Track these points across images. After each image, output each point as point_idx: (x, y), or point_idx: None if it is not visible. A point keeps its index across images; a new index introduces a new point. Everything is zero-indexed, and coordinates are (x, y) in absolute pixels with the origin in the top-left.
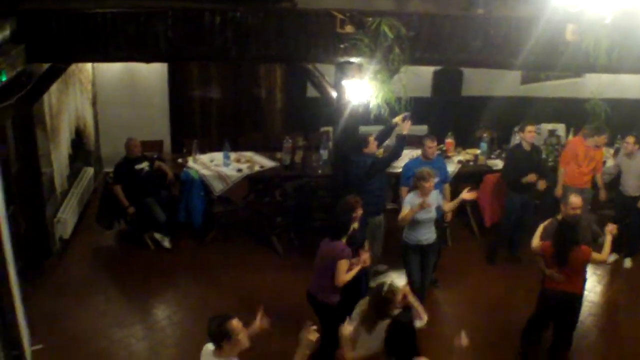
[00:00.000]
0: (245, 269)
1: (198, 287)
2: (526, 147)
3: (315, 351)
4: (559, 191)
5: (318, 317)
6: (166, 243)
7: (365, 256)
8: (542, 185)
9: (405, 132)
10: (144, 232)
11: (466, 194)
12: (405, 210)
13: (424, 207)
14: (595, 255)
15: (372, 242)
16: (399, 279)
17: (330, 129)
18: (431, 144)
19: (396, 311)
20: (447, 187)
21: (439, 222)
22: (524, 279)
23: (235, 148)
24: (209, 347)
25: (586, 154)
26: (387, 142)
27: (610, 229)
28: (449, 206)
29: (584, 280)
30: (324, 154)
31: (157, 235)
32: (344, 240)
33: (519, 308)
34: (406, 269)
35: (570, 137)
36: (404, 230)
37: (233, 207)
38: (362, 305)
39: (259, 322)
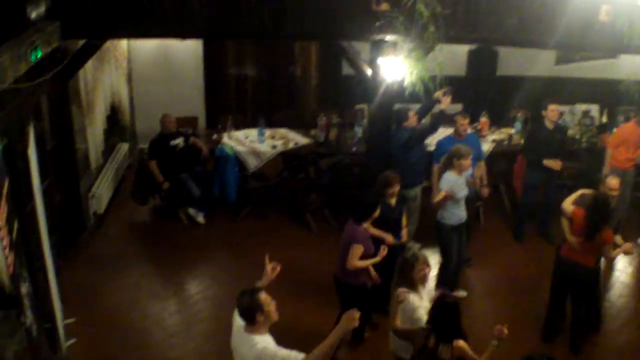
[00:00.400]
0: (279, 245)
1: (231, 262)
2: (549, 125)
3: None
4: (605, 172)
5: (339, 297)
6: (200, 218)
7: (403, 232)
8: (556, 165)
9: (444, 107)
10: (178, 207)
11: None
12: (442, 194)
13: (450, 197)
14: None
15: (408, 215)
16: (431, 258)
17: (364, 106)
18: (463, 121)
19: (420, 277)
20: (482, 164)
21: (473, 200)
22: (552, 255)
23: (270, 125)
24: (240, 322)
25: (638, 140)
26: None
27: (628, 248)
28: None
29: (600, 257)
30: (359, 131)
31: (191, 211)
32: (366, 224)
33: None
34: (445, 251)
35: (604, 118)
36: (441, 211)
37: (267, 183)
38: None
39: (270, 269)
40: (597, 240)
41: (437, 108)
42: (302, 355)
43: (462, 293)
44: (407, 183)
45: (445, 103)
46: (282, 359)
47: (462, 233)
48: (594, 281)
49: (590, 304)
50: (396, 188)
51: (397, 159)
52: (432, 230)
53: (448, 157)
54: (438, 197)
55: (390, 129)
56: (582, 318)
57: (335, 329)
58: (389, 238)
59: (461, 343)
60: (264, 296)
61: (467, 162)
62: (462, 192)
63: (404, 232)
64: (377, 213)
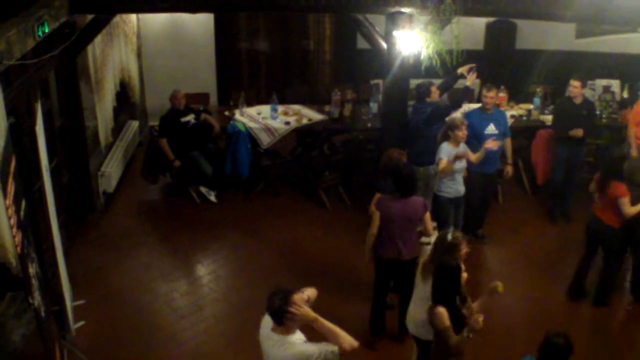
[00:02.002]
0: (292, 223)
1: (244, 242)
2: (576, 100)
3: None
4: (634, 153)
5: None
6: (212, 197)
7: None
8: (577, 133)
9: (469, 84)
10: (189, 185)
11: (490, 143)
12: (443, 161)
13: (460, 158)
14: (626, 200)
15: (425, 191)
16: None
17: (380, 81)
18: (487, 93)
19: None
20: (508, 141)
21: (493, 177)
22: (575, 235)
23: (283, 101)
24: (268, 320)
25: None
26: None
27: None
28: (476, 156)
29: (620, 217)
30: (374, 107)
31: (203, 189)
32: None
33: (570, 265)
34: (441, 223)
35: (625, 93)
36: (439, 184)
37: (280, 160)
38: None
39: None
40: (608, 193)
41: (460, 83)
42: (332, 347)
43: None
44: (425, 160)
45: (471, 79)
46: (318, 357)
47: (459, 206)
48: (620, 243)
49: (609, 260)
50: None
51: (418, 135)
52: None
53: (444, 128)
54: (441, 165)
55: (407, 104)
56: (608, 275)
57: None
58: None
59: (440, 309)
60: (296, 298)
61: (462, 133)
62: (459, 164)
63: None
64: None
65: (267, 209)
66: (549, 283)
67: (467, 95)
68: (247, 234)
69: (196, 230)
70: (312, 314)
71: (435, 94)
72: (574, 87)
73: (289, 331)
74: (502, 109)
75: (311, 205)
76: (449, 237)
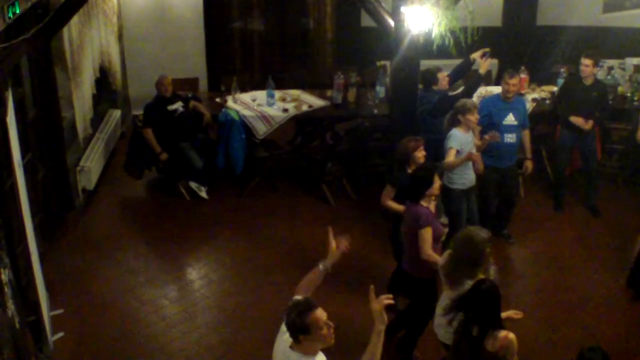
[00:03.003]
0: (292, 221)
1: (239, 242)
2: (586, 81)
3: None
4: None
5: (408, 297)
6: (203, 193)
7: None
8: (585, 125)
9: (483, 71)
10: (178, 180)
11: (491, 136)
12: (453, 152)
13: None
14: None
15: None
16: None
17: (387, 62)
18: (509, 80)
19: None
20: (527, 133)
21: (514, 170)
22: (600, 231)
23: (280, 86)
24: (286, 335)
25: None
26: None
27: None
28: (479, 144)
29: None
30: (381, 91)
31: (193, 184)
32: (426, 203)
33: (597, 264)
34: (454, 218)
35: None
36: (448, 174)
37: (278, 151)
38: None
39: (334, 247)
40: None
41: (475, 67)
42: None
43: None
44: (432, 155)
45: (484, 67)
46: None
47: (471, 197)
48: None
49: None
50: (420, 154)
51: (424, 128)
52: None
53: (453, 112)
54: (449, 156)
55: (417, 87)
56: None
57: (374, 328)
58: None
59: (510, 335)
60: (316, 316)
61: (473, 117)
62: (469, 149)
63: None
64: (436, 186)
65: (264, 205)
66: (575, 284)
67: (481, 82)
68: (242, 233)
69: (186, 230)
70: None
71: (443, 81)
72: (585, 66)
73: (306, 350)
74: (522, 92)
75: (313, 201)
76: (471, 235)
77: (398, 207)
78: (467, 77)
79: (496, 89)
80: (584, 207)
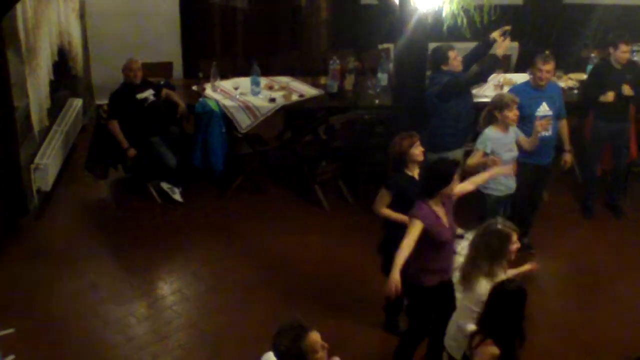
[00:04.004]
0: (280, 228)
1: (218, 253)
2: (616, 65)
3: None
4: None
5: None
6: (177, 195)
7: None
8: (627, 91)
9: (500, 53)
10: (148, 181)
11: (540, 124)
12: (479, 154)
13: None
14: None
15: None
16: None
17: (390, 45)
18: (542, 66)
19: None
20: (564, 123)
21: (545, 170)
22: (630, 238)
23: (267, 72)
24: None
25: None
26: None
27: None
28: (529, 141)
29: None
30: (383, 78)
31: (166, 186)
32: (436, 205)
33: (630, 277)
34: None
35: None
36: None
37: (264, 148)
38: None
39: None
40: None
41: (493, 49)
42: None
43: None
44: (440, 144)
45: (503, 47)
46: None
47: (506, 205)
48: None
49: None
50: (417, 150)
51: (433, 112)
52: (470, 209)
53: (489, 109)
54: (473, 157)
55: (424, 74)
56: None
57: None
58: None
59: (492, 350)
60: (312, 340)
61: (512, 113)
62: (509, 153)
63: None
64: (453, 186)
65: (248, 210)
66: (605, 301)
67: (498, 65)
68: (222, 242)
69: (157, 238)
70: None
71: (455, 61)
72: (622, 53)
73: None
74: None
75: (304, 205)
76: (494, 224)
77: (396, 215)
78: (483, 61)
79: (516, 77)
80: (605, 206)
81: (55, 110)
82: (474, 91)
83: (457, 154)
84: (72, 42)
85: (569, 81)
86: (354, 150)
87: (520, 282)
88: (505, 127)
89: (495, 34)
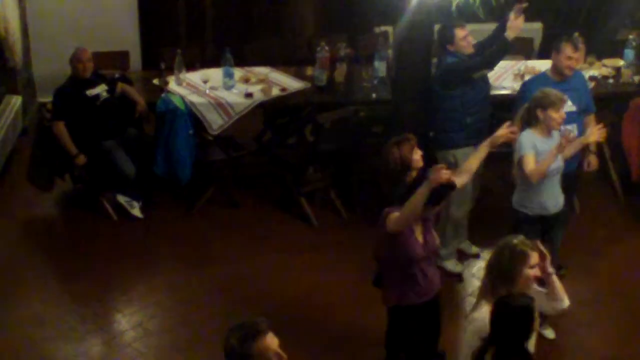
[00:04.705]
0: (259, 250)
1: (185, 279)
2: None
3: None
4: None
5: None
6: (136, 210)
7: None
8: None
9: (511, 35)
10: (101, 193)
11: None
12: (531, 157)
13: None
14: None
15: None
16: None
17: (389, 28)
18: (572, 53)
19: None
20: (591, 119)
21: (571, 177)
22: None
23: (242, 61)
24: None
25: None
26: None
27: None
28: (569, 150)
29: None
30: (381, 67)
31: (123, 199)
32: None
33: None
34: None
35: None
36: (520, 194)
37: (239, 153)
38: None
39: None
40: None
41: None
42: None
43: (548, 333)
44: (444, 141)
45: (514, 29)
46: None
47: (552, 227)
48: None
49: None
50: (417, 156)
51: (436, 102)
52: (494, 224)
53: (528, 107)
54: (528, 163)
55: (430, 62)
56: None
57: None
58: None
59: None
60: (264, 344)
61: (558, 114)
62: (555, 163)
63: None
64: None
65: (221, 227)
66: None
67: (506, 49)
68: (189, 267)
69: (112, 261)
70: None
71: (462, 41)
72: None
73: None
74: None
75: (287, 222)
76: (515, 241)
77: None
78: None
79: (540, 65)
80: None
81: None
82: (493, 80)
83: (461, 153)
84: (8, 28)
85: (602, 69)
86: (347, 155)
87: (529, 298)
88: (547, 130)
89: (517, 8)
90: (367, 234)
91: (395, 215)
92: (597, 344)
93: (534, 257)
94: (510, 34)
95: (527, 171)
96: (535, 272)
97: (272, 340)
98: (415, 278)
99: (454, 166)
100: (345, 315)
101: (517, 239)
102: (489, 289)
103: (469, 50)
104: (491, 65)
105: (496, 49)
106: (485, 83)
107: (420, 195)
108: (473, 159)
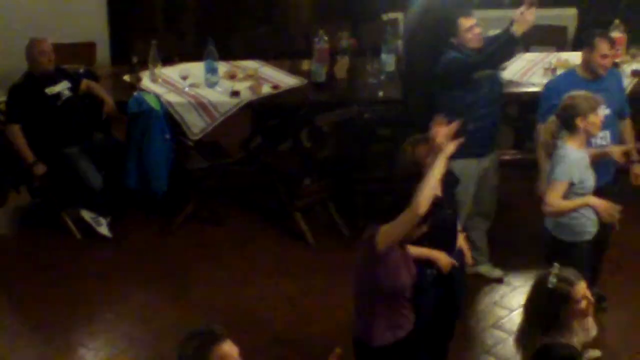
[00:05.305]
0: (245, 274)
1: (159, 307)
2: None
3: None
4: None
5: None
6: (103, 228)
7: (463, 245)
8: None
9: (518, 31)
10: (63, 208)
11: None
12: (563, 187)
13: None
14: None
15: (478, 202)
16: None
17: (399, 15)
18: (608, 50)
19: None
20: (627, 124)
21: (606, 191)
22: None
23: (227, 55)
24: None
25: None
26: None
27: None
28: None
29: None
30: (388, 61)
31: (88, 215)
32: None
33: None
34: None
35: None
36: (556, 221)
37: (224, 161)
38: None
39: None
40: None
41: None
42: None
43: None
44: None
45: (524, 20)
46: None
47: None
48: None
49: None
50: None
51: (439, 102)
52: (519, 245)
53: (565, 116)
54: (556, 191)
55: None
56: None
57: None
58: (442, 258)
59: None
60: (222, 352)
61: (598, 117)
62: (590, 180)
63: (465, 247)
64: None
65: (202, 248)
66: None
67: (512, 45)
68: (164, 293)
69: (76, 287)
70: None
71: (468, 33)
72: None
73: None
74: (617, 60)
75: (280, 240)
76: (552, 280)
77: (420, 251)
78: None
79: (574, 57)
80: None
81: None
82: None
83: (460, 165)
84: None
85: None
86: (349, 163)
87: (574, 350)
88: (584, 139)
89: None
90: None
91: (386, 227)
92: None
93: (578, 291)
94: (517, 28)
95: (549, 200)
96: (584, 305)
97: (231, 348)
98: (395, 312)
99: (493, 172)
100: (346, 345)
101: (554, 276)
102: (529, 336)
103: (476, 44)
104: (493, 64)
105: (499, 45)
106: (494, 84)
107: (437, 171)
108: None
